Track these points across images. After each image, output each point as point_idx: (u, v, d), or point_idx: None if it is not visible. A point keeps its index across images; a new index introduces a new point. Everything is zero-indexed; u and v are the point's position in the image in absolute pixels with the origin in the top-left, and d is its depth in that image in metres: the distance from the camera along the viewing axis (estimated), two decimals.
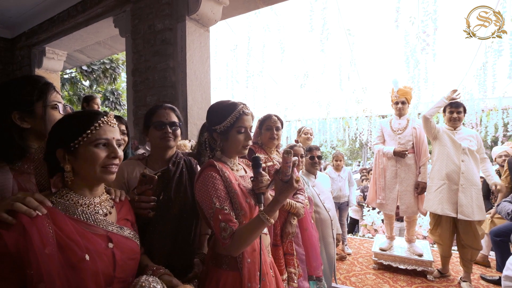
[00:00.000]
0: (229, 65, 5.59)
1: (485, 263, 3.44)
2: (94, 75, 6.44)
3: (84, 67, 6.11)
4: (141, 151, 1.96)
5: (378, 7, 3.30)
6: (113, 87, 7.69)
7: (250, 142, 1.18)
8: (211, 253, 1.17)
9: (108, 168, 0.89)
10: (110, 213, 0.95)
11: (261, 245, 1.09)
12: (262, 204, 1.09)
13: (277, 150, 2.02)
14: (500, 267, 3.04)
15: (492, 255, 3.55)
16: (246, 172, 1.28)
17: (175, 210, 1.28)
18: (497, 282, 3.01)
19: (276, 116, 1.90)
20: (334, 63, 4.59)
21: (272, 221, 1.01)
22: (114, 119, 0.95)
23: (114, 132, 0.93)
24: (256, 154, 1.81)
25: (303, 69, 5.38)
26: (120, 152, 0.92)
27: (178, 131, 1.39)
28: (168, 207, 1.26)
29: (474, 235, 2.82)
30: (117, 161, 0.92)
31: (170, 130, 1.33)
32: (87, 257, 0.78)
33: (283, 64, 4.99)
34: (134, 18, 2.65)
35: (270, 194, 1.28)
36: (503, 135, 5.98)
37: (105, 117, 0.91)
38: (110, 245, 0.86)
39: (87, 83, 7.42)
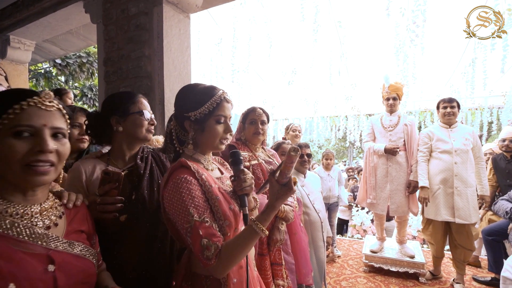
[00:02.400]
0: (213, 60, 5.35)
1: (476, 264, 3.39)
2: (70, 69, 6.02)
3: (58, 61, 5.69)
4: (107, 148, 1.72)
5: None
6: (91, 82, 7.28)
7: (229, 136, 0.99)
8: (185, 272, 0.95)
9: (34, 168, 0.67)
10: (56, 224, 0.75)
11: (247, 260, 0.89)
12: (247, 208, 0.90)
13: (263, 147, 1.82)
14: (492, 267, 2.97)
15: (483, 255, 3.50)
16: (222, 173, 1.08)
17: (150, 211, 1.10)
18: (490, 283, 2.94)
19: (261, 108, 1.71)
20: (324, 58, 4.45)
21: (267, 232, 0.83)
22: (53, 100, 0.71)
23: (49, 118, 0.69)
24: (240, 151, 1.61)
25: (291, 65, 5.22)
26: (52, 145, 0.69)
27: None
28: (142, 208, 1.07)
29: (467, 236, 2.73)
30: (46, 157, 0.68)
31: (154, 123, 1.21)
32: (12, 286, 0.60)
33: (270, 60, 4.81)
34: (106, 1, 2.39)
35: (253, 196, 1.09)
36: (488, 134, 6.05)
37: (35, 96, 0.68)
38: (51, 267, 0.67)
39: (62, 78, 6.99)
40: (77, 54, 6.05)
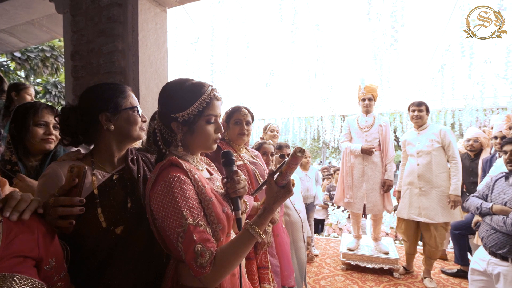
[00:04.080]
0: (189, 60, 5.19)
1: (443, 257, 3.58)
2: (31, 64, 5.54)
3: (17, 54, 5.21)
4: (73, 149, 1.58)
5: (347, 2, 3.24)
6: (56, 79, 6.77)
7: (220, 136, 0.93)
8: (171, 285, 0.88)
9: None
10: None
11: (240, 267, 0.85)
12: (240, 212, 0.85)
13: (246, 148, 1.77)
14: (458, 259, 3.16)
15: (449, 248, 3.72)
16: (211, 174, 1.01)
17: (148, 220, 0.96)
18: (456, 274, 3.12)
19: (246, 108, 1.65)
20: (302, 60, 4.49)
21: (264, 236, 0.78)
22: None
23: None
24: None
25: (269, 66, 5.21)
26: None
27: None
28: (139, 217, 0.95)
29: (431, 234, 2.87)
30: None
31: (145, 120, 1.08)
32: None
33: (247, 61, 4.76)
34: None
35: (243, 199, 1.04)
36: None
37: None
38: None
39: (22, 73, 6.44)
40: (40, 47, 5.58)
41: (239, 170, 0.93)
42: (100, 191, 0.92)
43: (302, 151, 0.79)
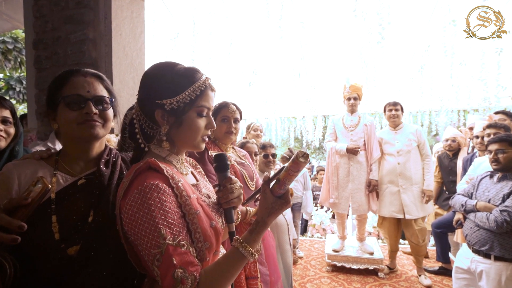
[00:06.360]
0: (168, 56, 4.97)
1: (425, 255, 3.63)
2: None
3: None
4: (39, 148, 1.38)
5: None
6: (21, 74, 6.26)
7: (210, 132, 0.80)
8: None
9: None
10: None
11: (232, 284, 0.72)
12: (234, 224, 0.73)
13: (233, 147, 1.65)
14: (440, 257, 3.20)
15: (430, 246, 3.79)
16: (197, 179, 0.87)
17: (114, 238, 0.77)
18: (437, 272, 3.17)
19: (234, 104, 1.53)
20: (286, 59, 4.41)
21: (256, 255, 0.66)
22: None
23: None
24: (210, 152, 1.41)
25: (252, 65, 5.09)
26: None
27: (110, 112, 0.87)
28: (102, 233, 0.77)
29: (413, 231, 2.95)
30: None
31: (94, 110, 0.82)
32: None
33: (230, 58, 4.61)
34: None
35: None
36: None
37: None
38: None
39: None
40: (1, 38, 5.11)
41: (233, 177, 0.80)
42: (58, 198, 0.76)
43: (305, 156, 0.66)
